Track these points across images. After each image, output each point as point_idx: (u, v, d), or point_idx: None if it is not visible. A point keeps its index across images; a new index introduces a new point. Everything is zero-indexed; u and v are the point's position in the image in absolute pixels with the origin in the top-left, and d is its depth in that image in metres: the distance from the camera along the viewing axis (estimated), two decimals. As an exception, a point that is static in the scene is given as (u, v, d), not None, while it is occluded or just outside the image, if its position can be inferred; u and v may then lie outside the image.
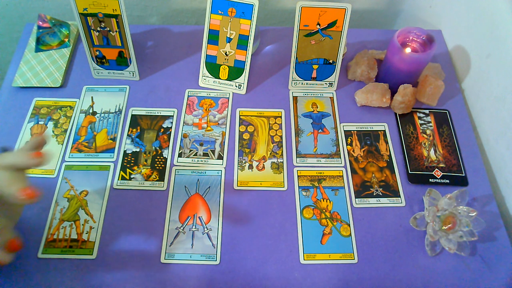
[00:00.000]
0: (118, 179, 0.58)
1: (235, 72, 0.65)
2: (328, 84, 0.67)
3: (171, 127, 0.63)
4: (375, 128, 0.64)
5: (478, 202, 0.58)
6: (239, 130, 0.63)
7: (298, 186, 0.58)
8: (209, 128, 0.63)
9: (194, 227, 0.54)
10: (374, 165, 0.60)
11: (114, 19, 0.61)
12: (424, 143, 0.62)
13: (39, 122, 0.63)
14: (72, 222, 0.54)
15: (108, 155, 0.60)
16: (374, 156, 0.61)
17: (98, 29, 0.62)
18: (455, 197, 0.54)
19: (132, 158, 0.60)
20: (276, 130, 0.63)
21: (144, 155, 0.60)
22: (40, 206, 0.55)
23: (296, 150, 0.61)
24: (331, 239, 0.54)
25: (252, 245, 0.53)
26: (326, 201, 0.57)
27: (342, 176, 0.59)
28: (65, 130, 0.62)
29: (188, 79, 0.68)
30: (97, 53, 0.65)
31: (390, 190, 0.58)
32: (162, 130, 0.63)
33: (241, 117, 0.65)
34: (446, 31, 0.76)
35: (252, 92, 0.67)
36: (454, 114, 0.66)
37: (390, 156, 0.61)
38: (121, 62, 0.66)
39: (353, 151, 0.62)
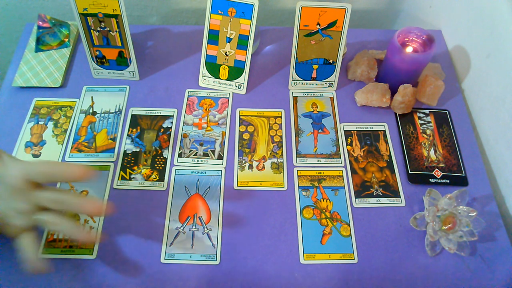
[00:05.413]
0: (118, 179, 0.58)
1: (235, 72, 0.65)
2: (328, 84, 0.67)
3: (171, 127, 0.63)
4: (375, 128, 0.64)
5: (478, 202, 0.58)
6: (239, 130, 0.63)
7: (298, 186, 0.58)
8: (209, 128, 0.63)
9: (194, 227, 0.54)
10: (374, 165, 0.60)
11: (114, 19, 0.61)
12: (424, 143, 0.62)
13: (39, 122, 0.63)
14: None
15: (108, 155, 0.60)
16: (374, 156, 0.61)
17: (98, 29, 0.62)
18: (455, 197, 0.54)
19: (132, 158, 0.60)
20: (276, 130, 0.63)
21: (144, 155, 0.60)
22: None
23: (296, 150, 0.61)
24: (331, 239, 0.54)
25: (252, 245, 0.53)
26: (326, 201, 0.57)
27: (342, 176, 0.59)
28: (65, 130, 0.62)
29: (188, 79, 0.68)
30: (97, 53, 0.65)
31: (390, 190, 0.58)
32: (162, 130, 0.63)
33: (241, 117, 0.65)
34: (446, 31, 0.76)
35: (252, 92, 0.67)
36: (454, 114, 0.66)
37: (390, 156, 0.61)
38: (121, 62, 0.66)
39: (353, 151, 0.62)
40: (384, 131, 0.64)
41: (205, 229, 0.54)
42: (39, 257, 0.45)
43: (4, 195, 0.43)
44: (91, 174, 0.43)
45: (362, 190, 0.58)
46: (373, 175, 0.59)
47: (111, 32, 0.63)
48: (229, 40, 0.63)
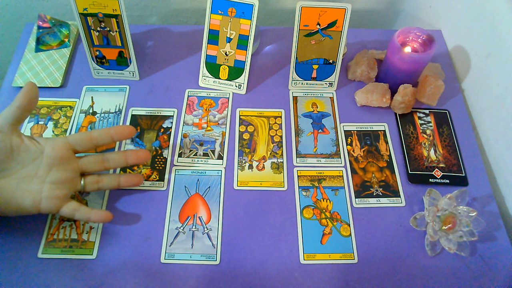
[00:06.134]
0: (118, 179, 0.58)
1: (235, 72, 0.65)
2: (328, 84, 0.67)
3: (171, 127, 0.63)
4: (375, 128, 0.64)
5: (478, 202, 0.58)
6: (239, 130, 0.63)
7: (298, 186, 0.58)
8: (209, 128, 0.63)
9: (194, 227, 0.54)
10: (374, 165, 0.60)
11: (114, 19, 0.61)
12: (424, 143, 0.62)
13: (39, 122, 0.63)
14: (72, 222, 0.54)
15: (108, 155, 0.60)
16: (374, 156, 0.61)
17: (98, 29, 0.62)
18: (455, 197, 0.54)
19: (132, 158, 0.60)
20: (276, 130, 0.63)
21: (144, 155, 0.60)
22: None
23: (296, 150, 0.61)
24: (331, 239, 0.54)
25: (252, 245, 0.53)
26: (326, 201, 0.57)
27: (342, 176, 0.59)
28: (65, 130, 0.62)
29: (188, 79, 0.68)
30: (97, 53, 0.65)
31: (390, 190, 0.58)
32: (162, 130, 0.63)
33: (241, 117, 0.65)
34: (446, 31, 0.76)
35: (252, 92, 0.67)
36: (454, 114, 0.66)
37: (390, 156, 0.61)
38: (121, 62, 0.66)
39: (353, 151, 0.62)
40: (384, 131, 0.64)
41: (205, 229, 0.54)
42: (97, 210, 0.50)
43: (51, 167, 0.47)
44: (132, 130, 0.50)
45: (362, 190, 0.58)
46: (373, 175, 0.59)
47: (111, 32, 0.63)
48: (229, 40, 0.63)
